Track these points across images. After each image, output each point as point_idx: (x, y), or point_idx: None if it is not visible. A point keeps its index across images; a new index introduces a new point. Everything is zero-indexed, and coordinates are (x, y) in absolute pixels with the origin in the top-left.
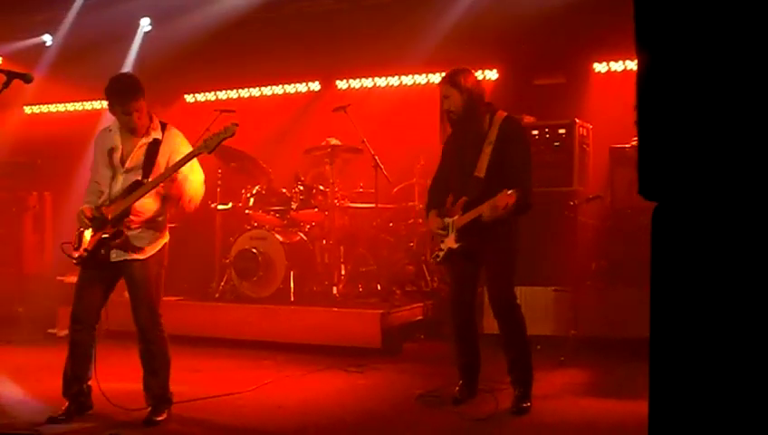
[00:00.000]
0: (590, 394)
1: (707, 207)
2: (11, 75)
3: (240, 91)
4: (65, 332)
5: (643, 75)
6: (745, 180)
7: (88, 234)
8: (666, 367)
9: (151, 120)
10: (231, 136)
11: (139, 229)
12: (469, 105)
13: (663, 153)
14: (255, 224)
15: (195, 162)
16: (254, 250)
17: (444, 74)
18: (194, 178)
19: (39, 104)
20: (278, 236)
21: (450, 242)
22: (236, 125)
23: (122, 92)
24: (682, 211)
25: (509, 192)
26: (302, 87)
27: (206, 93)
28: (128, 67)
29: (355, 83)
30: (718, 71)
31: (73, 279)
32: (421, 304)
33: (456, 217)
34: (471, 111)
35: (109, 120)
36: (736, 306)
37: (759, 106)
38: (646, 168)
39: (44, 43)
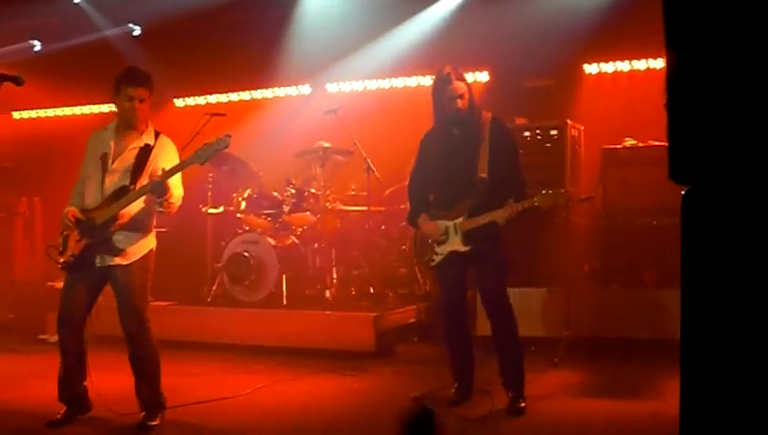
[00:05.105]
0: (585, 394)
1: (739, 191)
2: (1, 78)
3: (230, 94)
4: (56, 337)
5: (673, 63)
6: None
7: (73, 238)
8: (698, 360)
9: (147, 125)
10: (225, 148)
11: (123, 232)
12: (473, 104)
13: (694, 136)
14: (247, 228)
15: (178, 177)
16: (246, 254)
17: (445, 73)
18: (175, 191)
19: (28, 109)
20: (270, 240)
21: (456, 245)
22: (230, 136)
23: (136, 76)
24: (713, 195)
25: (534, 199)
26: (292, 90)
27: (197, 97)
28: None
29: (345, 86)
30: (750, 57)
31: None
32: (414, 307)
33: (461, 220)
34: (474, 110)
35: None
36: None
37: None
38: (676, 151)
39: (33, 47)
